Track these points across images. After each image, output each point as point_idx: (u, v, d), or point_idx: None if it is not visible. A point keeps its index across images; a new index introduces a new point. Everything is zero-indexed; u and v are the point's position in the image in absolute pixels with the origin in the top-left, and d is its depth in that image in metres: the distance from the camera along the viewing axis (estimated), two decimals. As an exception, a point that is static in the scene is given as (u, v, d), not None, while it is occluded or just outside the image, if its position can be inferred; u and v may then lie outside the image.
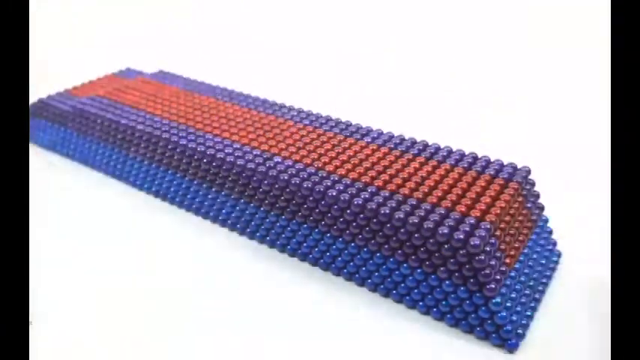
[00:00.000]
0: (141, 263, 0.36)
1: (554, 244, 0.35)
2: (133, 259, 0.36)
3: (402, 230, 0.29)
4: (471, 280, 0.28)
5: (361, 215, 0.31)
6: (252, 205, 0.36)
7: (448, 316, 0.30)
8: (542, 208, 0.34)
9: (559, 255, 0.35)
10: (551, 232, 0.35)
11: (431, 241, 0.28)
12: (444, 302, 0.30)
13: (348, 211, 0.31)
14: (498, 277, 0.28)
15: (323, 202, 0.32)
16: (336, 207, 0.31)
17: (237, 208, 0.37)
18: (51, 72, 0.61)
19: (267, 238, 0.36)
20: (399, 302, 0.32)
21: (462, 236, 0.28)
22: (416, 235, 0.29)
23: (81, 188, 0.43)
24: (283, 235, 0.35)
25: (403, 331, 0.30)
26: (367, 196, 0.31)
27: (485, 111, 0.55)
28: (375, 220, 0.30)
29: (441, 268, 0.29)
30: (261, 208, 0.35)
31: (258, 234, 0.36)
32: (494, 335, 0.29)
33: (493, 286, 0.28)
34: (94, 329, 0.31)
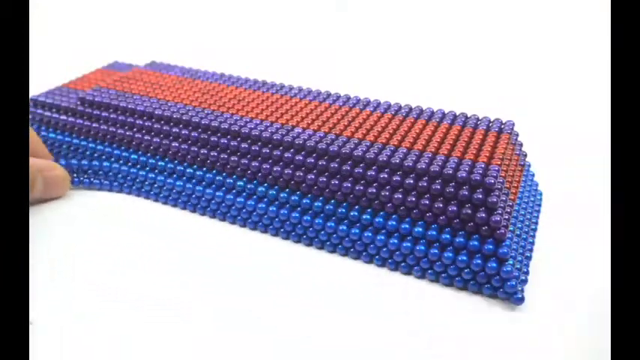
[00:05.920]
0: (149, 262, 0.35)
1: (537, 184, 0.41)
2: (140, 258, 0.35)
3: (425, 178, 0.34)
4: (484, 223, 0.33)
5: (386, 169, 0.35)
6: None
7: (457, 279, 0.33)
8: (525, 155, 0.41)
9: (541, 194, 0.41)
10: (533, 175, 0.42)
11: (452, 184, 0.34)
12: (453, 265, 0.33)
13: (374, 167, 0.35)
14: (508, 210, 0.34)
15: (350, 163, 0.36)
16: (363, 165, 0.36)
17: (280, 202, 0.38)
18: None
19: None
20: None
21: (478, 177, 0.33)
22: (438, 181, 0.34)
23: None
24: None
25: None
26: (388, 153, 0.36)
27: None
28: (399, 173, 0.35)
29: (456, 221, 0.33)
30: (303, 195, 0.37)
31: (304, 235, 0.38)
32: (501, 290, 0.32)
33: (504, 223, 0.33)
34: (95, 329, 0.30)
